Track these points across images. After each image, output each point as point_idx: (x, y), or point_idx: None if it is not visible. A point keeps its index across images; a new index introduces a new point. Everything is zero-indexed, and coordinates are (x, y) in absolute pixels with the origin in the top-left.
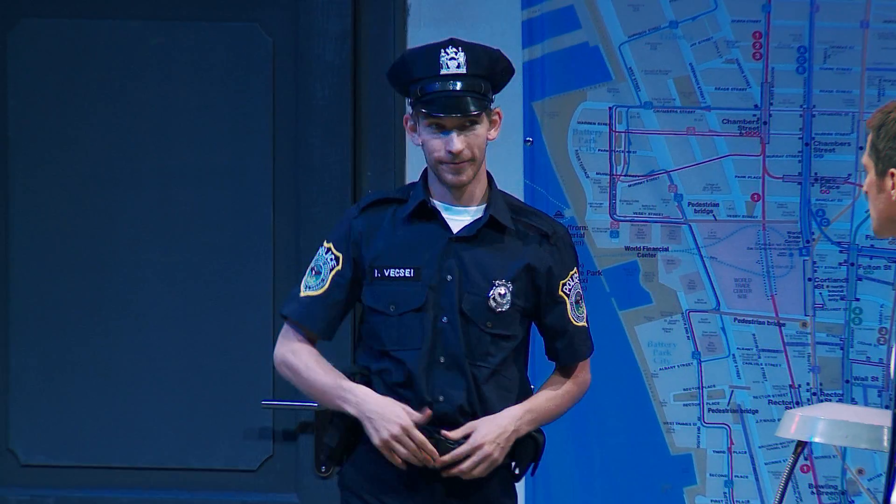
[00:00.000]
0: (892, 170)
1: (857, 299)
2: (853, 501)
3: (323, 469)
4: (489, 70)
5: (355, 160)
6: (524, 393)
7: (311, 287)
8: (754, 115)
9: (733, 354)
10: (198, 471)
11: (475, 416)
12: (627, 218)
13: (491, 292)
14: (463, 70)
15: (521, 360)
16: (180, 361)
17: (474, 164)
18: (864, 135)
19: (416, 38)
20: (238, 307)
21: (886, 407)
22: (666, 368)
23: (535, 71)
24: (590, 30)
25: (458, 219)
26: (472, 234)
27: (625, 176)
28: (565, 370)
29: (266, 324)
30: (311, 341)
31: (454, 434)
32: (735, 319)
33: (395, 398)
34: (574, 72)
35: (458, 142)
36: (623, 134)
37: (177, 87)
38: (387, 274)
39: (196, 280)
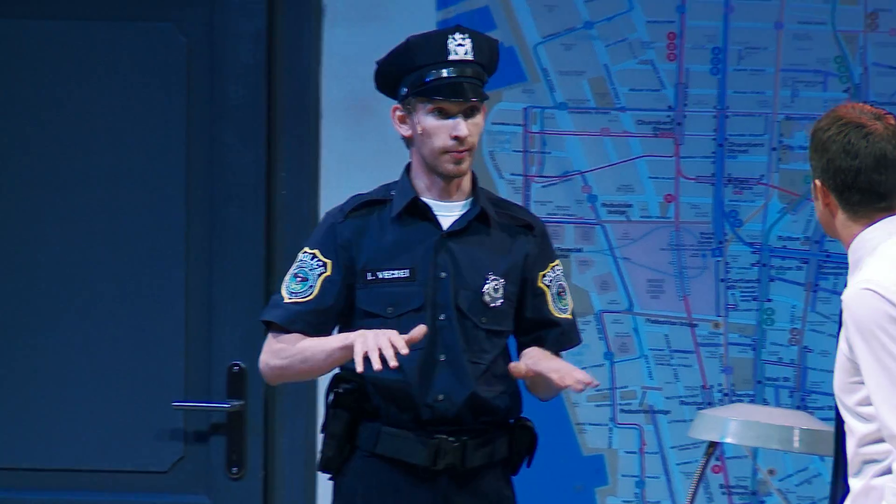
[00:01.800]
0: (816, 180)
1: (770, 300)
2: (764, 502)
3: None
4: (489, 59)
5: (269, 161)
6: (512, 389)
7: (297, 294)
8: (668, 116)
9: (646, 355)
10: (109, 472)
11: (474, 414)
12: (541, 218)
13: (485, 287)
14: (470, 56)
15: (507, 356)
16: (91, 362)
17: (472, 154)
18: (777, 136)
19: (332, 38)
20: (150, 308)
21: (798, 408)
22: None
23: None
24: (505, 30)
25: (447, 214)
26: (463, 227)
27: (539, 177)
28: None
29: (178, 325)
30: None
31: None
32: (648, 320)
33: (392, 401)
34: None
35: (464, 126)
36: (537, 135)
37: (91, 87)
38: (381, 276)
39: (108, 280)
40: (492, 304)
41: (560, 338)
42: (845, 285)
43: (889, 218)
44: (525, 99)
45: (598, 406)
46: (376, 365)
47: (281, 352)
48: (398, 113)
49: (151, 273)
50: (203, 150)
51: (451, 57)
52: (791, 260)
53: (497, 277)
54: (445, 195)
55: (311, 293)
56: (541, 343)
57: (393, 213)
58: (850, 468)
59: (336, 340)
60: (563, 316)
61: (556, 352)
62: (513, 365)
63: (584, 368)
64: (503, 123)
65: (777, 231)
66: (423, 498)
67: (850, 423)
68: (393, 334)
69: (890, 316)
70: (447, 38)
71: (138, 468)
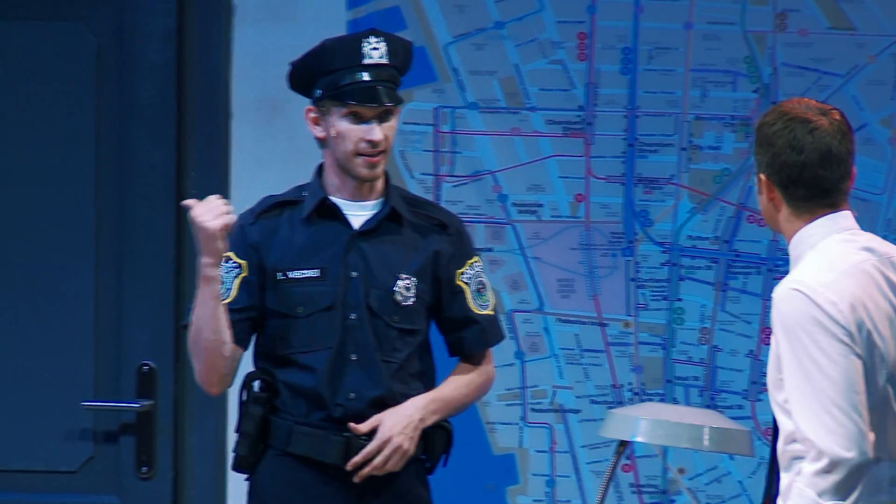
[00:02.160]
0: (761, 174)
1: (680, 300)
2: (674, 501)
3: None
4: (403, 61)
5: (179, 160)
6: (430, 387)
7: None
8: (579, 116)
9: (556, 354)
10: (17, 472)
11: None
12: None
13: (396, 286)
14: (385, 60)
15: (425, 355)
16: (1, 362)
17: (386, 157)
18: (687, 136)
19: (242, 37)
20: (60, 308)
21: (707, 407)
22: None
23: None
24: (416, 30)
25: (358, 214)
26: (374, 227)
27: (449, 176)
28: (471, 359)
29: (88, 324)
30: None
31: (362, 427)
32: (558, 320)
33: (305, 401)
34: None
35: (378, 131)
36: (448, 134)
37: (0, 86)
38: (290, 276)
39: (17, 280)
40: (403, 303)
41: (481, 335)
42: (770, 285)
43: (831, 215)
44: (435, 99)
45: (508, 405)
46: (229, 218)
47: (189, 348)
48: (312, 114)
49: (61, 273)
50: (113, 150)
51: (366, 61)
52: (701, 259)
53: (408, 276)
54: (357, 196)
55: (228, 295)
56: (462, 342)
57: (304, 213)
58: (780, 464)
59: (201, 284)
60: (483, 312)
61: (481, 349)
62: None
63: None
64: (414, 123)
65: (687, 231)
66: (335, 497)
67: (779, 420)
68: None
69: (814, 318)
70: (362, 42)
71: (48, 468)
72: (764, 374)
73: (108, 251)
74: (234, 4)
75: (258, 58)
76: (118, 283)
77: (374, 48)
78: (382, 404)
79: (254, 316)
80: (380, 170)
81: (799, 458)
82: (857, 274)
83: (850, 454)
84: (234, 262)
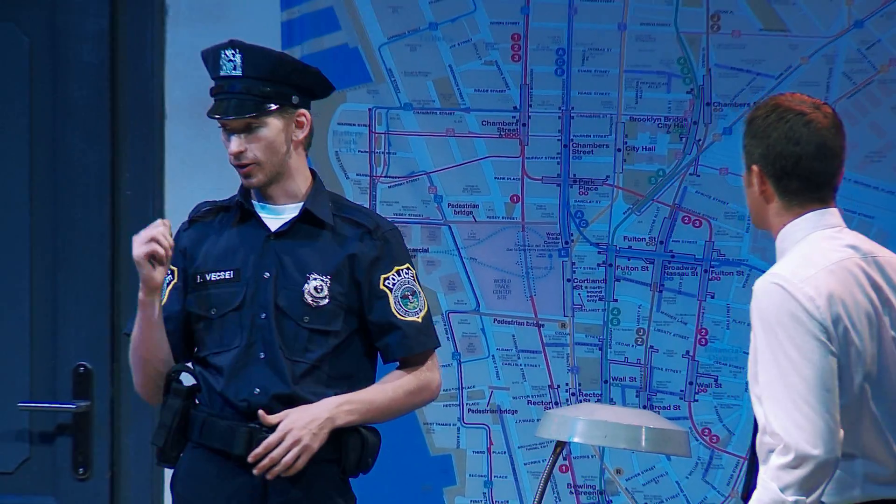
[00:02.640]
0: (752, 166)
1: (616, 300)
2: (611, 501)
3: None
4: (271, 73)
5: (114, 161)
6: (348, 390)
7: None
8: (513, 117)
9: (493, 355)
10: None
11: (287, 409)
12: (388, 219)
13: (305, 286)
14: (238, 73)
15: (353, 358)
16: None
17: (263, 168)
18: (621, 137)
19: (175, 37)
20: None
21: (644, 407)
22: None
23: None
24: (349, 31)
25: (276, 217)
26: (287, 229)
27: (385, 177)
28: (404, 365)
29: (23, 325)
30: None
31: (270, 418)
32: (495, 320)
33: (219, 399)
34: (334, 73)
35: (236, 143)
36: (383, 135)
37: None
38: (208, 278)
39: None
40: (314, 304)
41: (403, 342)
42: (706, 286)
43: (819, 211)
44: (370, 99)
45: (445, 406)
46: (165, 242)
47: (130, 360)
48: None
49: None
50: (47, 151)
51: (221, 73)
52: (637, 260)
53: (319, 276)
54: (274, 199)
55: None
56: (387, 348)
57: (231, 218)
58: (759, 456)
59: (140, 306)
60: (408, 319)
61: (403, 355)
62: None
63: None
64: (348, 124)
65: (622, 231)
66: (241, 487)
67: (756, 413)
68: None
69: (791, 312)
70: (220, 54)
71: None
72: (699, 375)
73: (44, 252)
74: (167, 5)
75: (192, 58)
76: (54, 284)
77: (229, 60)
78: (290, 403)
79: (182, 322)
80: (255, 180)
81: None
82: (838, 271)
83: (816, 451)
84: (170, 269)
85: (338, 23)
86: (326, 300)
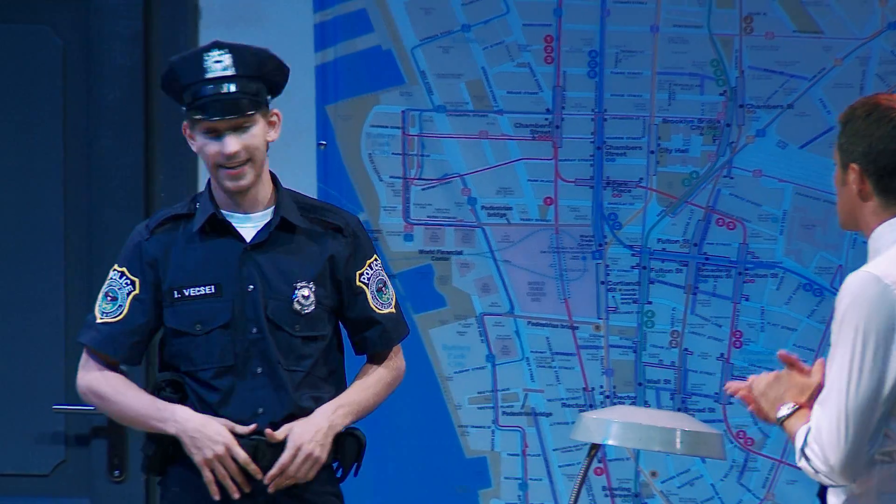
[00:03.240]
0: (852, 164)
1: (650, 302)
2: (646, 503)
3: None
4: (258, 70)
5: (147, 163)
6: (341, 385)
7: (108, 313)
8: (546, 119)
9: (527, 358)
10: None
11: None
12: (421, 221)
13: (295, 294)
14: (230, 72)
15: (332, 355)
16: None
17: (253, 167)
18: (655, 139)
19: (208, 40)
20: (29, 311)
21: (679, 410)
22: (460, 372)
23: (328, 74)
24: (382, 33)
25: (248, 226)
26: (265, 238)
27: (418, 179)
28: (376, 358)
29: (58, 327)
30: (113, 367)
31: (277, 435)
32: (529, 323)
33: (212, 412)
34: (367, 75)
35: (232, 143)
36: (416, 137)
37: None
38: (187, 294)
39: None
40: (304, 312)
41: (383, 334)
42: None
43: None
44: (403, 101)
45: (480, 408)
46: (235, 495)
47: (102, 380)
48: (187, 131)
49: (30, 276)
50: (80, 153)
51: (209, 75)
52: (670, 262)
53: (306, 284)
54: (240, 207)
55: (120, 313)
56: (366, 342)
57: (194, 228)
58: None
59: (158, 421)
60: (385, 311)
61: (385, 348)
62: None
63: (465, 371)
64: (381, 126)
65: (656, 234)
66: (244, 499)
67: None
68: (222, 443)
69: (884, 308)
70: (203, 56)
71: (19, 472)
72: (734, 377)
73: (78, 254)
74: (200, 7)
75: None
76: (88, 286)
77: (217, 61)
78: (292, 417)
79: (146, 335)
80: (245, 181)
81: None
82: None
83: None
84: (128, 279)
85: (370, 25)
86: (313, 306)
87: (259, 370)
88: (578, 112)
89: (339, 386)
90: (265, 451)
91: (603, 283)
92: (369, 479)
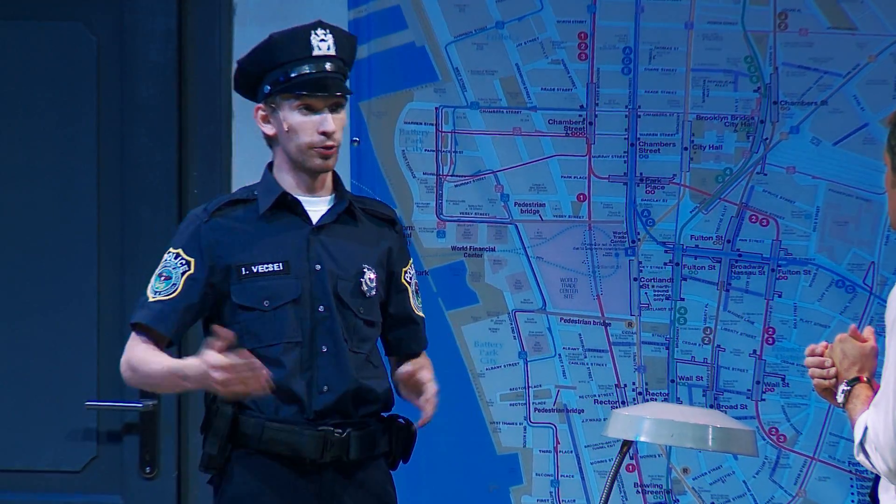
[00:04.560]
0: None
1: (682, 299)
2: (678, 500)
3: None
4: (350, 54)
5: (181, 160)
6: (386, 379)
7: (160, 292)
8: (580, 116)
9: (559, 354)
10: (22, 472)
11: (355, 404)
12: (454, 218)
13: (363, 276)
14: (332, 52)
15: (377, 346)
16: (4, 362)
17: (338, 150)
18: (688, 135)
19: (242, 37)
20: (62, 307)
21: (711, 406)
22: (492, 368)
23: (362, 71)
24: (416, 30)
25: (314, 209)
26: (333, 219)
27: (451, 176)
28: (405, 359)
29: (91, 324)
30: (158, 345)
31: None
32: (561, 319)
33: (274, 396)
34: (400, 72)
35: (332, 121)
36: (449, 134)
37: (1, 87)
38: (255, 270)
39: (20, 280)
40: (368, 294)
41: (418, 336)
42: (773, 284)
43: None
44: (437, 98)
45: (512, 405)
46: (268, 390)
47: (135, 364)
48: (261, 112)
49: (64, 272)
50: (114, 150)
51: (315, 52)
52: (703, 259)
53: (371, 267)
54: (309, 191)
55: (174, 290)
56: (401, 342)
57: (260, 210)
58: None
59: (179, 379)
60: (420, 314)
61: (418, 349)
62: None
63: (497, 368)
64: (415, 123)
65: (689, 230)
66: (308, 491)
67: None
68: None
69: None
70: (310, 34)
71: (51, 468)
72: (767, 374)
73: (111, 251)
74: (235, 4)
75: None
76: (121, 283)
77: (322, 40)
78: (354, 397)
79: (195, 315)
80: (332, 161)
81: None
82: None
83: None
84: (183, 259)
85: (404, 21)
86: (374, 291)
87: (324, 348)
88: (612, 109)
89: (385, 377)
90: (333, 441)
91: (636, 279)
92: (401, 475)
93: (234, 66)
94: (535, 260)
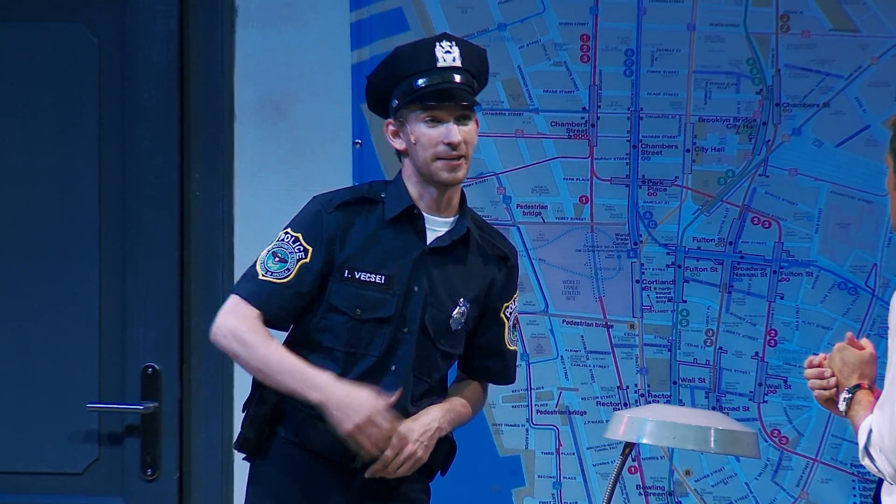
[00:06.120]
0: None
1: (685, 301)
2: (680, 502)
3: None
4: (479, 68)
5: (183, 162)
6: (443, 397)
7: (272, 273)
8: (582, 118)
9: (562, 356)
10: (23, 474)
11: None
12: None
13: (454, 311)
14: (458, 63)
15: (447, 375)
16: (5, 364)
17: (467, 162)
18: (690, 137)
19: (245, 39)
20: (64, 309)
21: (713, 408)
22: None
23: (364, 73)
24: (419, 32)
25: (433, 229)
26: (445, 245)
27: None
28: (481, 382)
29: (92, 326)
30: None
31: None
32: (563, 321)
33: None
34: None
35: (457, 132)
36: None
37: (2, 88)
38: (357, 276)
39: (22, 282)
40: (454, 328)
41: (505, 370)
42: (775, 287)
43: None
44: None
45: (514, 407)
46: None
47: (253, 332)
48: (391, 127)
49: (65, 274)
50: (116, 152)
51: (440, 64)
52: (706, 261)
53: (465, 302)
54: (434, 209)
55: (287, 275)
56: (487, 372)
57: (387, 216)
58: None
59: (305, 384)
60: (512, 349)
61: (504, 383)
62: None
63: None
64: None
65: (691, 232)
66: (336, 494)
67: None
68: (367, 411)
69: None
70: (434, 46)
71: (53, 470)
72: (769, 376)
73: (112, 253)
74: (237, 6)
75: (261, 60)
76: (122, 285)
77: (447, 52)
78: (400, 419)
79: (302, 304)
80: (461, 174)
81: None
82: None
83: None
84: (301, 246)
85: (407, 23)
86: (460, 326)
87: (393, 367)
88: (614, 111)
89: (442, 397)
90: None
91: (638, 281)
92: None
93: (365, 81)
94: (537, 262)
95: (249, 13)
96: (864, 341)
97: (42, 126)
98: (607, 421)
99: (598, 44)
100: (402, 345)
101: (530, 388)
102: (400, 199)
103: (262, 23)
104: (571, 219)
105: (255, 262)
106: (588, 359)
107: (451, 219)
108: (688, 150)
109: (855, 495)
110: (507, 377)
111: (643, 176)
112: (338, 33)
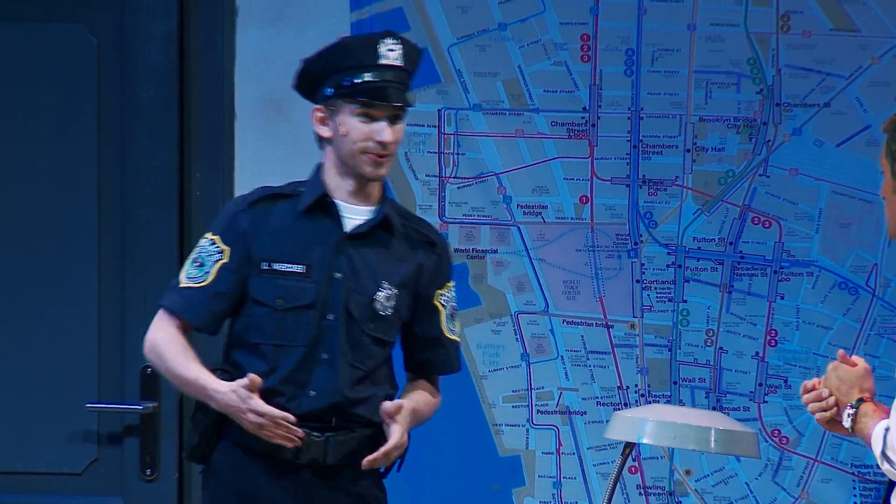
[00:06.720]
0: None
1: (685, 301)
2: (681, 502)
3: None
4: (415, 66)
5: (183, 162)
6: (389, 394)
7: (193, 279)
8: (582, 118)
9: (562, 356)
10: (22, 474)
11: (340, 414)
12: (457, 220)
13: (377, 294)
14: (399, 62)
15: (389, 367)
16: (4, 363)
17: (391, 160)
18: (691, 137)
19: (245, 39)
20: (63, 309)
21: (713, 408)
22: (495, 370)
23: None
24: (419, 32)
25: (352, 217)
26: (364, 231)
27: (454, 178)
28: (430, 381)
29: (91, 325)
30: (185, 332)
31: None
32: (564, 321)
33: (263, 395)
34: None
35: (388, 132)
36: (452, 136)
37: (1, 88)
38: (276, 268)
39: (21, 281)
40: (381, 313)
41: (447, 360)
42: (775, 287)
43: None
44: (439, 100)
45: (514, 407)
46: (289, 445)
47: (167, 343)
48: (319, 114)
49: (64, 274)
50: (115, 152)
51: (382, 61)
52: (706, 261)
53: (391, 287)
54: (353, 198)
55: (206, 279)
56: (430, 364)
57: (301, 206)
58: None
59: (202, 395)
60: (452, 338)
61: (446, 373)
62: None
63: (500, 370)
64: (418, 125)
65: (692, 232)
66: (285, 492)
67: None
68: (261, 410)
69: None
70: (378, 42)
71: (52, 470)
72: (769, 376)
73: (112, 253)
74: (237, 6)
75: (261, 59)
76: (121, 285)
77: (391, 49)
78: (340, 408)
79: (227, 304)
80: (384, 171)
81: None
82: None
83: None
84: (218, 247)
85: (407, 23)
86: (391, 311)
87: (324, 356)
88: (614, 110)
89: (388, 392)
90: (310, 444)
91: (638, 281)
92: (403, 477)
93: (299, 64)
94: (537, 262)
95: (250, 13)
96: (856, 358)
97: (41, 126)
98: (607, 421)
99: (598, 44)
100: (329, 332)
101: (530, 388)
102: (315, 189)
103: (262, 22)
104: (572, 219)
105: (181, 271)
106: (588, 359)
107: (372, 208)
108: (688, 150)
109: (855, 495)
110: (449, 366)
111: (643, 176)
112: (338, 33)
